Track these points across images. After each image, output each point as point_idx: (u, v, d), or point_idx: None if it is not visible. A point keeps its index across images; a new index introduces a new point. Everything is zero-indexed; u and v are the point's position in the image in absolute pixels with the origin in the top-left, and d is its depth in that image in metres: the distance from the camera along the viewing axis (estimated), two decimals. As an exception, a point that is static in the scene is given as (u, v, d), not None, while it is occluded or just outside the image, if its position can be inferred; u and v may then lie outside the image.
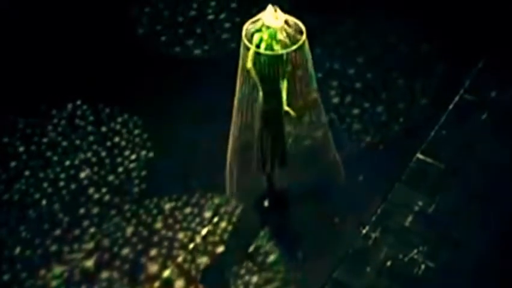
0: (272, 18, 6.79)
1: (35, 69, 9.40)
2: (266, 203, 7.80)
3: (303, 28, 6.87)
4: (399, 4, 9.99)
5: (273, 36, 6.85)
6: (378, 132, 8.70)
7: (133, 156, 8.43)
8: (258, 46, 6.86)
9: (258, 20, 6.91)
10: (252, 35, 6.95)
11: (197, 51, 9.74)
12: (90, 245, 7.62)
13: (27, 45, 9.70)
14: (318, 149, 7.97)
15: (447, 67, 9.38)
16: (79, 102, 9.01)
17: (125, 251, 7.57)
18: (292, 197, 7.97)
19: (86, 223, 7.82)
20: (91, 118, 8.85)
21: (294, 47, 6.83)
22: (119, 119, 8.82)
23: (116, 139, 8.62)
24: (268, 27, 6.83)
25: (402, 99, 9.07)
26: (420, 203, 7.96)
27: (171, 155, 8.43)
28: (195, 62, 9.60)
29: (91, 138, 8.64)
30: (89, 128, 8.75)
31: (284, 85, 7.04)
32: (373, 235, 7.70)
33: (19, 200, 8.02)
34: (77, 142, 8.60)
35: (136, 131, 8.69)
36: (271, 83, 7.06)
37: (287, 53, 6.83)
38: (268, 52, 6.80)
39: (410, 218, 7.85)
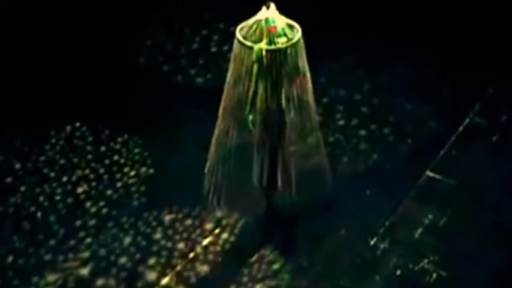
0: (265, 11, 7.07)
1: (33, 90, 9.66)
2: (265, 205, 7.85)
3: (299, 28, 7.13)
4: (406, 30, 10.32)
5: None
6: (386, 151, 8.83)
7: (133, 173, 8.55)
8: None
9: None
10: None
11: (199, 80, 9.99)
12: (86, 254, 7.65)
13: (24, 72, 9.99)
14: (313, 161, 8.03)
15: (456, 92, 9.59)
16: (78, 124, 9.19)
17: (123, 259, 7.60)
18: (295, 210, 7.99)
19: (82, 234, 7.86)
20: (90, 139, 9.00)
21: (290, 43, 7.06)
22: (119, 139, 8.97)
23: (116, 157, 8.75)
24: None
25: (410, 122, 9.24)
26: (430, 216, 8.01)
27: (172, 172, 8.54)
28: (197, 90, 9.83)
29: (90, 156, 8.77)
30: (88, 147, 8.90)
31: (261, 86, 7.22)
32: (382, 246, 7.72)
33: (14, 212, 8.10)
34: (75, 160, 8.72)
35: (136, 150, 8.84)
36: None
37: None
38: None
39: (420, 231, 7.88)
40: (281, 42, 7.07)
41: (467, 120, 9.17)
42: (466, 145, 8.87)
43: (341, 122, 9.25)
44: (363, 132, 9.09)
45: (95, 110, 9.44)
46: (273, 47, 7.04)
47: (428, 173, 8.52)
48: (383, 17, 10.64)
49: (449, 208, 8.08)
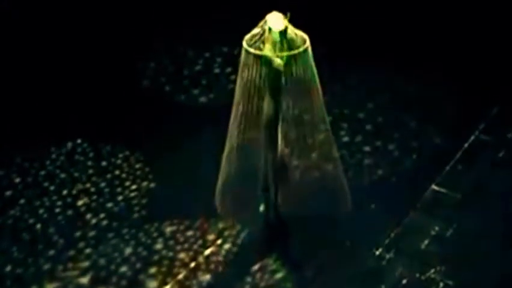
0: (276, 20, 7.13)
1: (35, 107, 9.76)
2: (262, 208, 7.82)
3: (306, 37, 7.22)
4: (410, 49, 10.43)
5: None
6: (391, 166, 8.86)
7: (134, 186, 8.57)
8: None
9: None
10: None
11: (202, 99, 10.07)
12: (85, 264, 7.64)
13: (26, 88, 10.09)
14: (326, 177, 8.04)
15: (461, 111, 9.65)
16: (79, 141, 9.24)
17: (123, 268, 7.58)
18: (299, 222, 7.99)
19: (82, 244, 7.86)
20: (91, 154, 9.05)
21: (297, 51, 7.13)
22: (120, 155, 9.02)
23: (117, 172, 8.79)
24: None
25: (415, 139, 9.28)
26: (436, 228, 8.00)
27: (173, 186, 8.56)
28: (199, 108, 9.90)
29: (91, 171, 8.80)
30: (89, 162, 8.94)
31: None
32: (387, 256, 7.70)
33: (13, 224, 8.11)
34: (76, 174, 8.75)
35: (138, 165, 8.87)
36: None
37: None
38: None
39: (426, 241, 7.87)
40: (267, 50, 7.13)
41: (472, 138, 9.20)
42: (471, 161, 8.89)
43: (346, 139, 9.28)
44: (367, 148, 9.12)
45: (97, 127, 9.50)
46: (259, 52, 7.08)
47: (434, 187, 8.52)
48: (386, 36, 10.77)
49: (455, 220, 8.08)
